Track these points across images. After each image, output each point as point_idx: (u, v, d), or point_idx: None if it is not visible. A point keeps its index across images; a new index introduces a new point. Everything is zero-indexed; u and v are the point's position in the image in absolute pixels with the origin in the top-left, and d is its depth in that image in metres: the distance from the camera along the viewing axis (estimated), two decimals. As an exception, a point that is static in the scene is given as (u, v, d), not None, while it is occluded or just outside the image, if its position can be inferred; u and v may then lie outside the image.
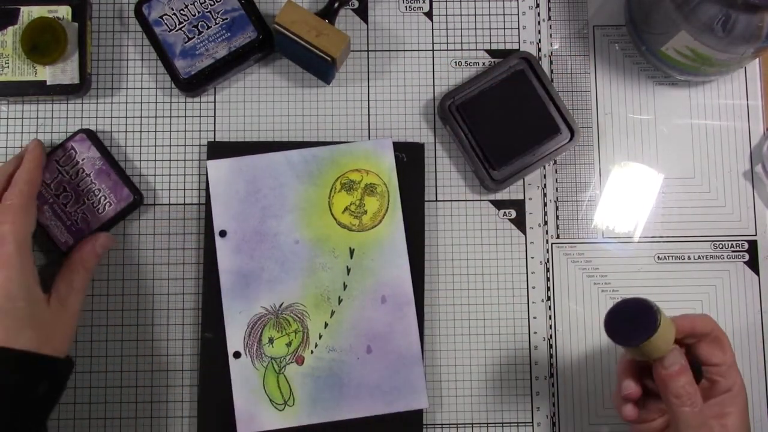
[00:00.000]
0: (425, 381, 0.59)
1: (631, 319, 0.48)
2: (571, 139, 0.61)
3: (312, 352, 0.59)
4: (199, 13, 0.61)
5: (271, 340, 0.59)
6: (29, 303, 0.52)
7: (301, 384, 0.59)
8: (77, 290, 0.56)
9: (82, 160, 0.60)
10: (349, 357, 0.59)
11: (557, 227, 0.62)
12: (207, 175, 0.61)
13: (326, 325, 0.59)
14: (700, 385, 0.49)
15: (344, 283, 0.60)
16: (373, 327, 0.59)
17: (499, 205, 0.62)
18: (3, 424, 0.49)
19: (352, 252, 0.60)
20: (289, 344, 0.59)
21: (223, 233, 0.60)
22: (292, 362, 0.59)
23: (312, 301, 0.60)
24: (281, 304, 0.60)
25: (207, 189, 0.61)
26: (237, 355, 0.59)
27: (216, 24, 0.61)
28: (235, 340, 0.59)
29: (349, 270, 0.60)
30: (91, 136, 0.60)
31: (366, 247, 0.60)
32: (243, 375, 0.59)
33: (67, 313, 0.55)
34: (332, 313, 0.60)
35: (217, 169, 0.61)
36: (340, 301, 0.60)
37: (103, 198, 0.59)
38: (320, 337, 0.59)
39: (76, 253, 0.58)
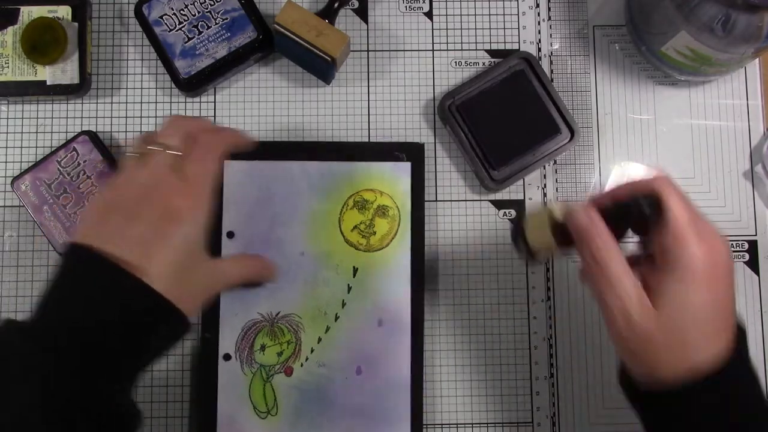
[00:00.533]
0: (410, 411, 0.59)
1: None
2: (571, 139, 0.61)
3: (302, 365, 0.59)
4: (199, 13, 0.61)
5: (263, 348, 0.59)
6: (199, 250, 0.49)
7: (287, 395, 0.58)
8: (230, 278, 0.53)
9: (84, 161, 0.60)
10: (338, 375, 0.59)
11: (557, 227, 0.62)
12: (221, 174, 0.60)
13: (320, 339, 0.59)
14: (644, 261, 0.46)
15: (343, 301, 0.59)
16: (366, 349, 0.59)
17: (499, 205, 0.62)
18: (111, 353, 0.45)
19: (355, 271, 0.60)
20: (280, 354, 0.59)
21: (230, 234, 0.60)
22: (280, 372, 0.59)
23: (309, 314, 0.59)
24: (278, 313, 0.59)
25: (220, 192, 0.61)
26: (227, 357, 0.59)
27: (216, 24, 0.61)
28: (227, 342, 0.59)
29: (350, 288, 0.60)
30: (94, 138, 0.60)
31: (370, 268, 0.60)
32: (230, 378, 0.59)
33: (213, 285, 0.52)
34: (327, 328, 0.59)
35: (233, 170, 0.60)
36: (336, 317, 0.59)
37: None
38: (312, 351, 0.59)
39: (253, 259, 0.57)
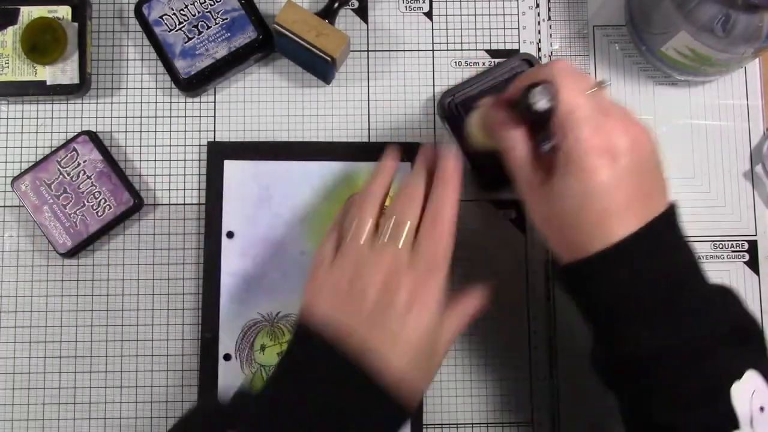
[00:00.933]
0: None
1: None
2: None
3: None
4: (199, 13, 0.61)
5: (263, 348, 0.59)
6: (437, 333, 0.47)
7: None
8: (450, 342, 0.50)
9: (84, 161, 0.60)
10: None
11: (557, 227, 0.62)
12: (221, 174, 0.61)
13: None
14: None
15: None
16: None
17: (499, 205, 0.62)
18: None
19: None
20: (280, 354, 0.59)
21: (230, 234, 0.60)
22: None
23: None
24: (278, 313, 0.59)
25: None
26: (227, 357, 0.59)
27: (216, 24, 0.61)
28: (227, 342, 0.59)
29: None
30: (93, 138, 0.60)
31: None
32: (230, 378, 0.59)
33: (440, 358, 0.49)
34: None
35: (233, 170, 0.61)
36: None
37: (103, 201, 0.59)
38: None
39: (468, 304, 0.51)
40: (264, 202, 0.60)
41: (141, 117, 0.63)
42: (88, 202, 0.59)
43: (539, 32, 0.65)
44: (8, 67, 0.61)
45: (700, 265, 0.47)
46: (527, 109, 0.44)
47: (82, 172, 0.60)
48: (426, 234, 0.48)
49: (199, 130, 0.63)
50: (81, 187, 0.60)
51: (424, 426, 0.60)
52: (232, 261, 0.60)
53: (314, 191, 0.61)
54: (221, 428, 0.44)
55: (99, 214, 0.59)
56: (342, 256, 0.49)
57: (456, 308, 0.50)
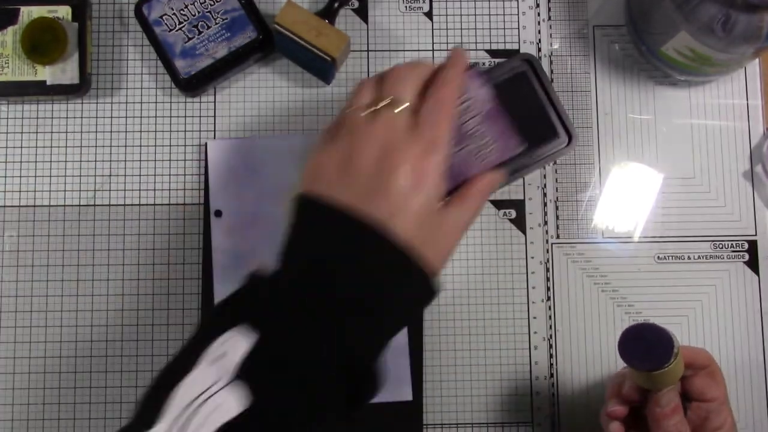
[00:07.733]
0: (411, 374, 0.59)
1: (648, 344, 0.48)
2: (568, 144, 0.61)
3: None
4: (199, 13, 0.61)
5: None
6: (438, 202, 0.46)
7: None
8: (465, 221, 0.48)
9: (470, 99, 0.53)
10: None
11: (557, 227, 0.62)
12: (206, 154, 0.61)
13: None
14: (691, 421, 0.49)
15: None
16: None
17: (499, 205, 0.62)
18: (361, 311, 0.44)
19: None
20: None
21: (218, 213, 0.60)
22: None
23: None
24: None
25: (206, 173, 0.61)
26: None
27: (216, 24, 0.61)
28: None
29: None
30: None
31: None
32: None
33: (453, 235, 0.48)
34: None
35: (217, 149, 0.61)
36: None
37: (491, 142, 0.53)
38: None
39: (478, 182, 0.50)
40: (250, 179, 0.60)
41: (141, 117, 0.63)
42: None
43: (539, 32, 0.65)
44: (8, 67, 0.61)
45: None
46: None
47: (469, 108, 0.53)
48: (428, 113, 0.46)
49: (199, 130, 0.63)
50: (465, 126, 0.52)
51: (424, 426, 0.60)
52: (222, 239, 0.60)
53: (299, 163, 0.61)
54: (229, 323, 0.42)
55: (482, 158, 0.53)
56: (338, 132, 0.47)
57: (465, 191, 0.49)
